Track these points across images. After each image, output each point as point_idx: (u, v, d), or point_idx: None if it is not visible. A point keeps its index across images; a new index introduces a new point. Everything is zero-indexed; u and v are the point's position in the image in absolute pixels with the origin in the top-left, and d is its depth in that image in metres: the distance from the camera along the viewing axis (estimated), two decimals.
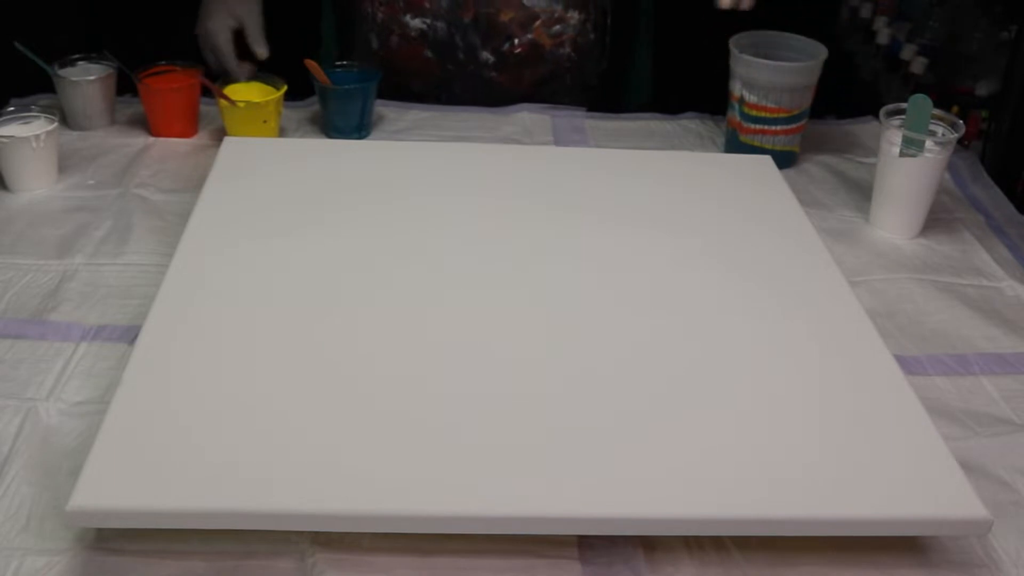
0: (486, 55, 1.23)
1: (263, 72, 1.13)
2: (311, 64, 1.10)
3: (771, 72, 1.07)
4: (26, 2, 1.49)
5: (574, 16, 1.22)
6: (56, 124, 1.02)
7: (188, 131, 1.13)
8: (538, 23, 1.21)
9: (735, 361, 0.77)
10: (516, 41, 1.22)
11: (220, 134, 1.09)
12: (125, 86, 1.13)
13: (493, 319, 0.80)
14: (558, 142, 1.16)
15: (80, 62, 1.12)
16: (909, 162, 0.99)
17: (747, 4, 1.07)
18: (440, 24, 1.21)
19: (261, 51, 1.14)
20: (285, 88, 1.10)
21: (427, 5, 1.20)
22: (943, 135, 0.99)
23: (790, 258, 0.89)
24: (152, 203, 1.00)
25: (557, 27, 1.22)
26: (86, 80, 1.10)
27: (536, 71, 1.25)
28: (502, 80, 1.23)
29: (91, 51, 1.12)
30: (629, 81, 1.33)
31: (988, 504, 0.65)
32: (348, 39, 1.24)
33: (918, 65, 1.59)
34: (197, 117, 1.13)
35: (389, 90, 1.20)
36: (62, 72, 1.10)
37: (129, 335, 0.82)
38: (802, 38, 1.11)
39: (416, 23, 1.21)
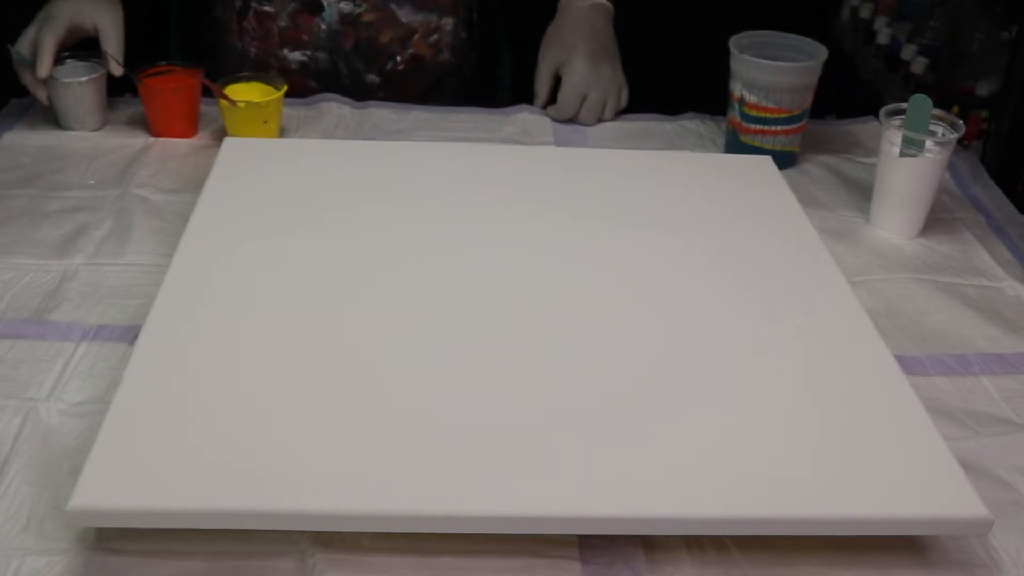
0: (371, 77, 1.25)
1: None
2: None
3: (771, 72, 1.07)
4: (25, 3, 1.49)
5: (448, 22, 1.25)
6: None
7: (188, 131, 1.13)
8: (416, 36, 1.23)
9: (735, 361, 0.77)
10: (398, 58, 1.24)
11: (220, 134, 1.09)
12: (125, 86, 1.13)
13: (493, 319, 0.80)
14: (558, 142, 1.16)
15: (69, 60, 1.11)
16: (909, 162, 0.99)
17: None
18: (321, 55, 1.22)
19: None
20: (285, 88, 1.10)
21: (305, 38, 1.21)
22: (943, 135, 0.99)
23: (790, 258, 0.89)
24: (152, 203, 1.00)
25: (434, 36, 1.24)
26: (78, 81, 1.09)
27: (420, 82, 1.27)
28: (389, 98, 1.24)
29: (91, 51, 1.11)
30: (498, 69, 1.37)
31: (988, 504, 0.65)
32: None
33: (918, 65, 1.59)
34: (197, 117, 1.13)
35: None
36: (53, 73, 1.08)
37: (129, 335, 0.82)
38: (802, 38, 1.11)
39: (295, 56, 1.22)
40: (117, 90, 1.17)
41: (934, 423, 0.72)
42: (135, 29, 1.14)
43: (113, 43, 1.09)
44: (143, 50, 1.14)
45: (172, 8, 1.32)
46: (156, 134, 1.12)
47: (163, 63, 1.12)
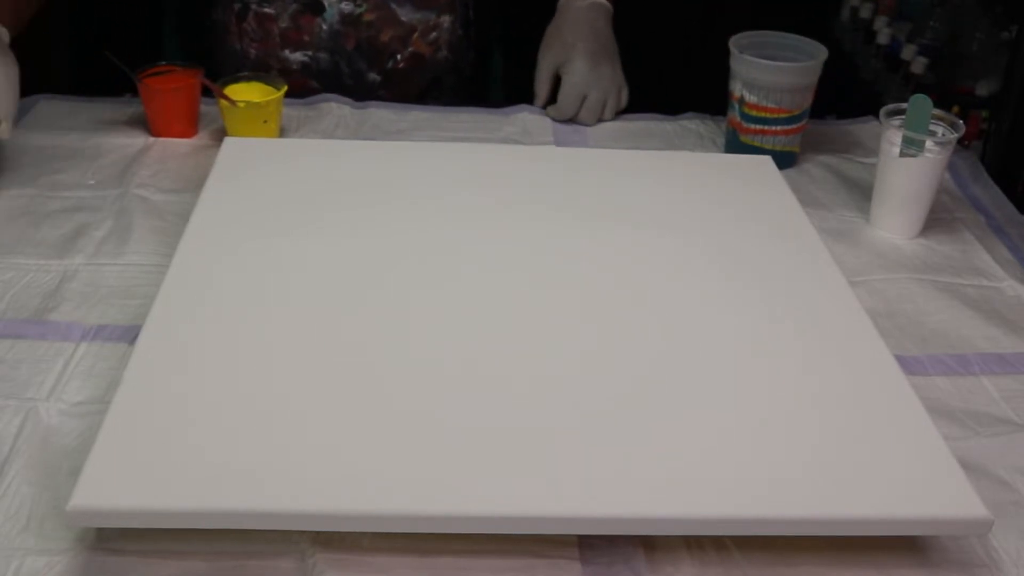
0: (373, 76, 1.25)
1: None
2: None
3: (771, 72, 1.07)
4: None
5: (446, 20, 1.25)
6: None
7: (188, 131, 1.13)
8: (416, 35, 1.24)
9: (735, 361, 0.77)
10: (399, 57, 1.24)
11: (220, 134, 1.09)
12: (125, 86, 1.13)
13: (493, 319, 0.80)
14: (558, 142, 1.16)
15: None
16: (909, 162, 0.99)
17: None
18: (323, 55, 1.22)
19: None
20: (285, 88, 1.10)
21: (306, 39, 1.21)
22: (943, 135, 0.99)
23: (790, 258, 0.89)
24: (152, 203, 1.01)
25: (433, 34, 1.25)
26: None
27: (420, 80, 1.28)
28: (389, 96, 1.25)
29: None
30: (490, 65, 1.38)
31: (988, 504, 0.65)
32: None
33: (918, 65, 1.59)
34: (197, 117, 1.13)
35: None
36: None
37: (129, 335, 0.82)
38: (802, 38, 1.11)
39: (297, 56, 1.22)
40: (119, 91, 1.17)
41: (934, 423, 0.72)
42: (131, 33, 1.14)
43: (4, 103, 0.97)
44: (140, 53, 1.14)
45: (167, 13, 1.32)
46: (156, 134, 1.12)
47: (163, 63, 1.12)
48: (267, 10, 1.19)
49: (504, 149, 1.10)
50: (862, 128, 1.23)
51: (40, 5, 1.08)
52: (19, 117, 1.13)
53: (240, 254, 0.85)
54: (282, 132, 1.13)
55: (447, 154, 1.04)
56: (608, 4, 1.20)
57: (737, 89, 1.10)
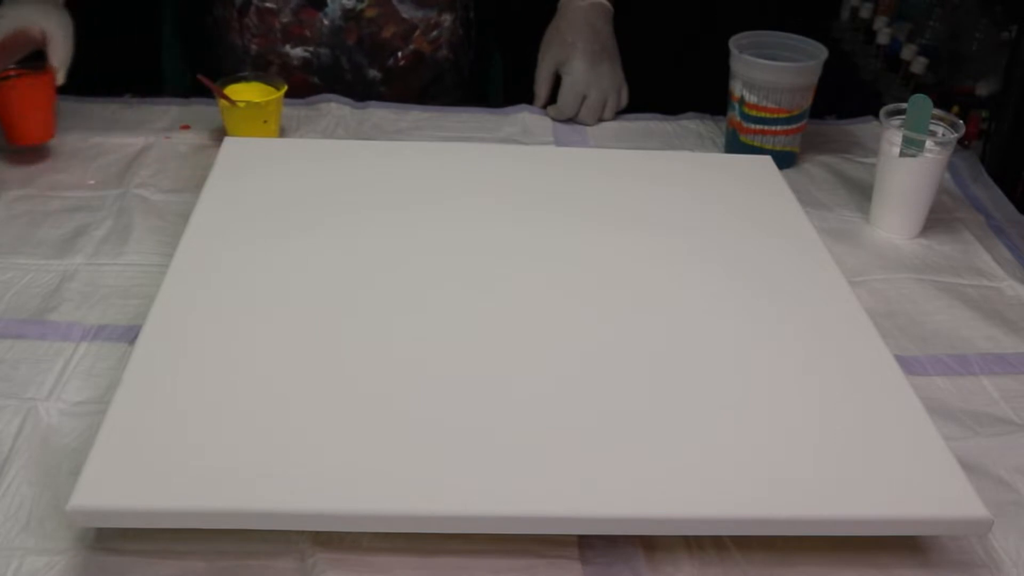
0: (373, 73, 1.25)
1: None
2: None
3: (771, 72, 1.07)
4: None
5: (447, 18, 1.26)
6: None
7: (45, 135, 1.05)
8: (417, 32, 1.24)
9: (735, 361, 0.77)
10: (400, 54, 1.25)
11: (220, 134, 1.09)
12: (125, 86, 1.13)
13: (492, 319, 0.79)
14: (558, 142, 1.16)
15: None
16: (909, 162, 0.99)
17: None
18: (323, 50, 1.23)
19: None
20: (285, 88, 1.10)
21: (308, 33, 1.21)
22: (943, 135, 0.99)
23: (790, 258, 0.89)
24: (152, 203, 1.01)
25: (434, 32, 1.25)
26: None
27: (420, 78, 1.28)
28: (390, 94, 1.25)
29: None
30: (489, 68, 1.39)
31: (988, 504, 0.65)
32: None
33: (918, 65, 1.59)
34: (53, 118, 1.04)
35: None
36: None
37: (129, 335, 0.82)
38: (802, 38, 1.11)
39: (298, 52, 1.22)
40: (117, 90, 1.17)
41: (934, 423, 0.72)
42: (131, 32, 1.14)
43: (61, 52, 1.00)
44: (137, 53, 1.14)
45: (167, 12, 1.32)
46: (13, 141, 1.03)
47: (12, 67, 1.01)
48: (268, 4, 1.20)
49: (504, 149, 1.10)
50: (862, 128, 1.23)
51: None
52: None
53: (240, 254, 0.85)
54: (282, 132, 1.13)
55: (447, 154, 1.04)
56: (608, 4, 1.20)
57: (737, 89, 1.10)
